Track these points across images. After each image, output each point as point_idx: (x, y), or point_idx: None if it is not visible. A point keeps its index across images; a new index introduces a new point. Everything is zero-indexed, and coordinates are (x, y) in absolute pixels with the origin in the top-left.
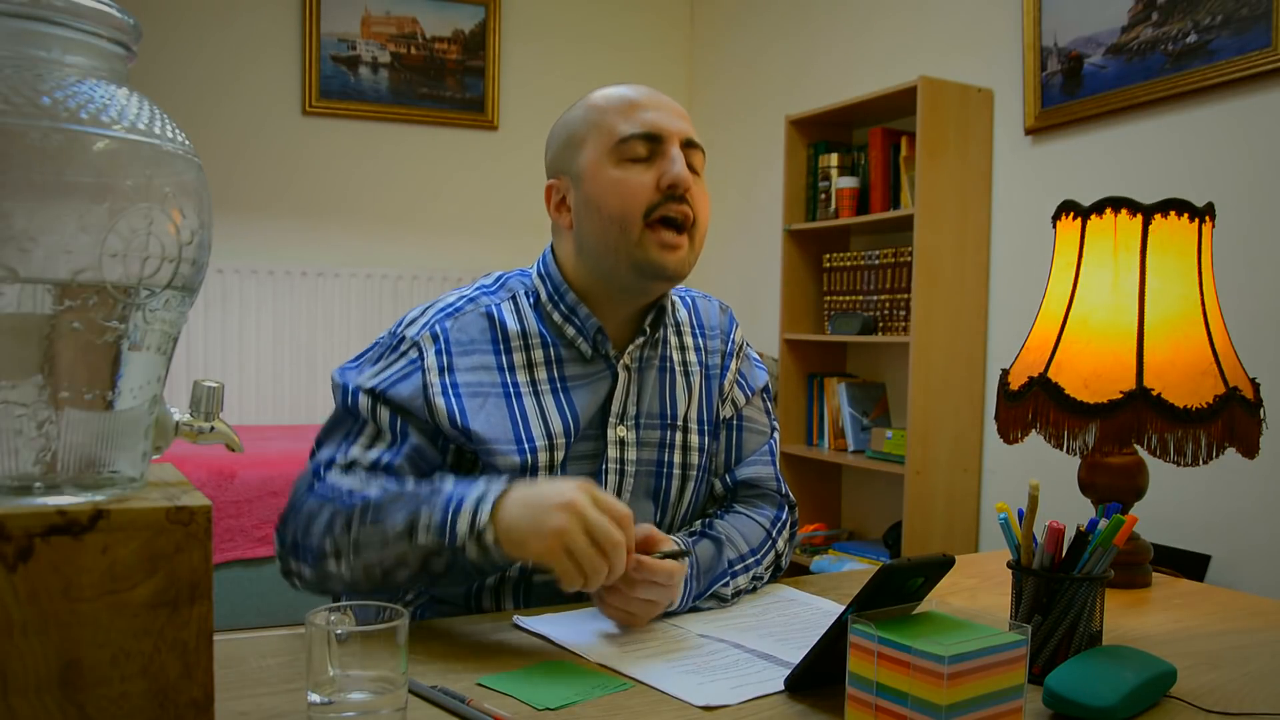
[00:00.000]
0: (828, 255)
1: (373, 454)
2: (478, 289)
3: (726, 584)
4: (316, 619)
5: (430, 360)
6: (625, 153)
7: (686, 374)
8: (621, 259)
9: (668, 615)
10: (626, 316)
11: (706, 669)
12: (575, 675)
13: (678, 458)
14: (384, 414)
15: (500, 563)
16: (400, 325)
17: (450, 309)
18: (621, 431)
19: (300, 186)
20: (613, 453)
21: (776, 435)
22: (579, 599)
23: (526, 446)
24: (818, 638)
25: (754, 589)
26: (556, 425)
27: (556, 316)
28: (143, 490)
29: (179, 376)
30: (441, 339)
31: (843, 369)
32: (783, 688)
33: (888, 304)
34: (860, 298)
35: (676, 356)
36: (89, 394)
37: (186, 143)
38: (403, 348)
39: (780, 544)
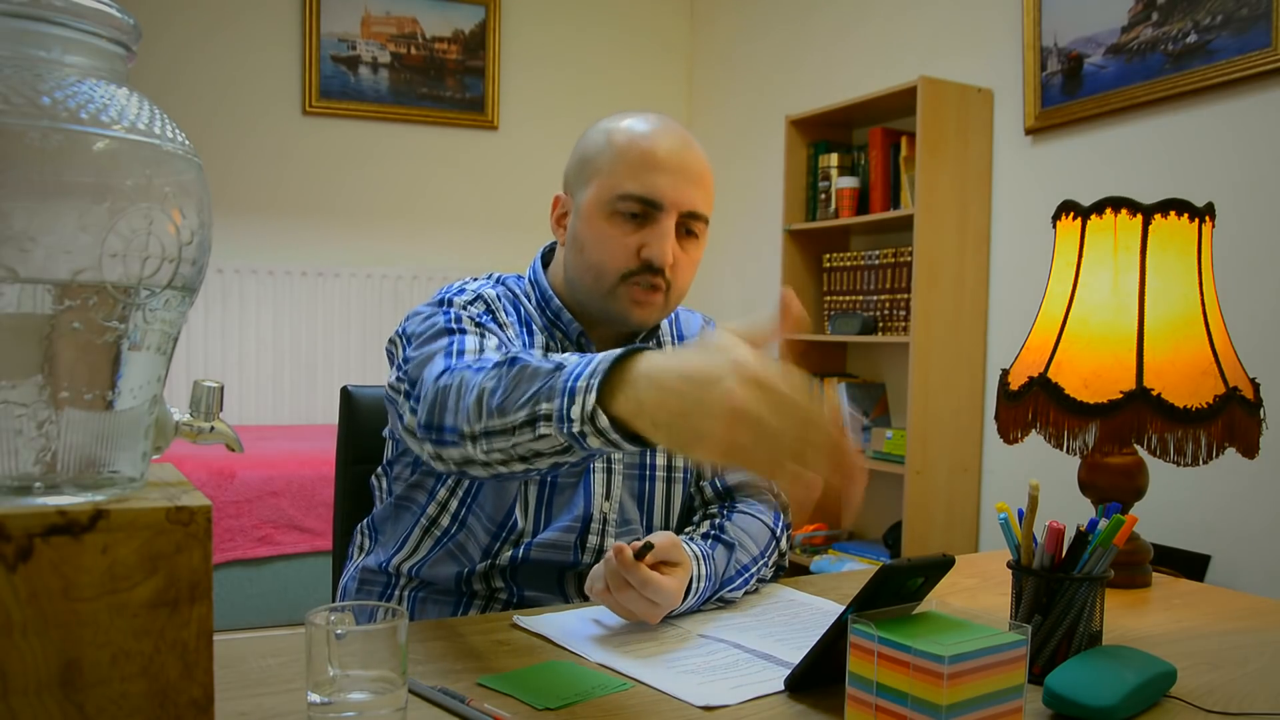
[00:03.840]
0: (828, 255)
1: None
2: (491, 277)
3: (737, 590)
4: (316, 619)
5: (498, 311)
6: (621, 207)
7: None
8: (595, 299)
9: (671, 616)
10: (610, 336)
11: (706, 669)
12: (575, 675)
13: (660, 459)
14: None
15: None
16: (449, 291)
17: (490, 282)
18: None
19: (300, 186)
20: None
21: None
22: (562, 588)
23: None
24: (818, 638)
25: (757, 589)
26: None
27: (544, 321)
28: (143, 490)
29: (179, 376)
30: (494, 300)
31: (843, 369)
32: (783, 688)
33: (888, 304)
34: (860, 298)
35: None
36: (89, 394)
37: (186, 143)
38: (467, 298)
39: (783, 543)
